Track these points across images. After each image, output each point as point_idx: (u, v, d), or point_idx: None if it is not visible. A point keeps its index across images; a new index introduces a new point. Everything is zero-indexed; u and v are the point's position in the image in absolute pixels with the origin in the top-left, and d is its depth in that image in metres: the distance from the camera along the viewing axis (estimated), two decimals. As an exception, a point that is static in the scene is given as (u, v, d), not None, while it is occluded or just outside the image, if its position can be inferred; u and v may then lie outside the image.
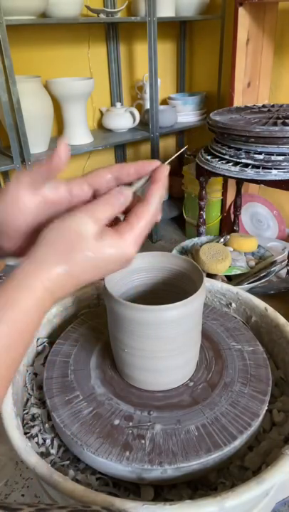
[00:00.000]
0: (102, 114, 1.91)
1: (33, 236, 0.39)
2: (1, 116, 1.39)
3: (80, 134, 1.67)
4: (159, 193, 0.40)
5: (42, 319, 0.37)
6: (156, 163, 0.42)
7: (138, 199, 0.41)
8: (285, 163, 1.15)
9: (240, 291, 0.79)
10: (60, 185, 0.41)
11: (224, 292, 0.81)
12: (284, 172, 1.16)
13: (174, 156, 0.51)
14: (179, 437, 0.54)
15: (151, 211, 0.39)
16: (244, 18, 1.55)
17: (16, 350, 0.34)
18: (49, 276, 0.35)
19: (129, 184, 0.42)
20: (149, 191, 0.40)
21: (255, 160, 1.18)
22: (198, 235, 1.57)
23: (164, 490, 0.54)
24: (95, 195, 0.42)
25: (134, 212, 0.39)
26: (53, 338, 0.74)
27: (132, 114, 1.81)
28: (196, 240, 1.52)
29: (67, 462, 0.57)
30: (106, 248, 0.37)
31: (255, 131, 1.13)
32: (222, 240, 1.45)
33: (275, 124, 1.17)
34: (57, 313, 0.77)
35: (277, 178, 1.17)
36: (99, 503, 0.45)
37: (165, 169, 0.42)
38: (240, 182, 1.65)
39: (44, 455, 0.58)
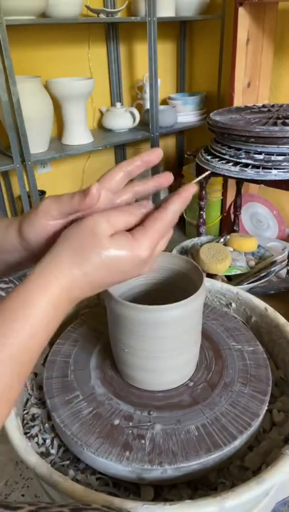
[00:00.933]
0: (102, 114, 1.91)
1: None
2: (1, 116, 1.39)
3: (80, 134, 1.67)
4: (179, 204, 0.41)
5: (60, 318, 0.37)
6: (157, 150, 0.44)
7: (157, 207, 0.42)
8: (285, 163, 1.15)
9: (240, 291, 0.79)
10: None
11: (224, 292, 0.81)
12: (284, 172, 1.16)
13: (199, 178, 0.53)
14: (179, 437, 0.54)
15: (168, 218, 0.40)
16: (244, 18, 1.55)
17: (31, 349, 0.34)
18: (64, 273, 0.36)
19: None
20: (170, 200, 0.41)
21: (255, 160, 1.18)
22: (198, 235, 1.57)
23: (164, 490, 0.54)
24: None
25: (150, 217, 0.40)
26: (52, 338, 0.74)
27: (132, 114, 1.81)
28: (196, 240, 1.52)
29: (67, 462, 0.57)
30: (118, 248, 0.37)
31: (255, 131, 1.13)
32: (222, 240, 1.45)
33: (275, 124, 1.17)
34: (57, 313, 0.77)
35: (277, 178, 1.17)
36: (99, 503, 0.45)
37: (192, 188, 0.42)
38: (240, 182, 1.65)
39: (44, 455, 0.58)
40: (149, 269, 0.41)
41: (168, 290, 0.67)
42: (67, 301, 0.37)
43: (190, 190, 0.42)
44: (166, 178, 0.44)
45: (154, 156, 0.43)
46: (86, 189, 0.38)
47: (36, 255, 0.42)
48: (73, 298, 0.37)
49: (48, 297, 0.35)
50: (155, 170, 1.88)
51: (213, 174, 1.32)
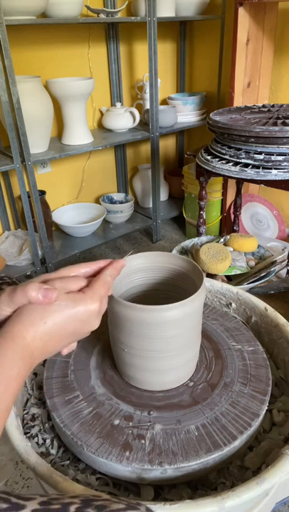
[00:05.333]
0: (102, 114, 1.91)
1: None
2: (1, 116, 1.39)
3: (80, 133, 1.67)
4: (112, 270, 0.48)
5: (27, 371, 0.39)
6: (120, 264, 0.50)
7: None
8: (285, 163, 1.15)
9: (240, 291, 0.79)
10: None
11: (224, 292, 0.81)
12: (284, 172, 1.16)
13: (128, 255, 0.63)
14: (179, 437, 0.54)
15: (107, 279, 0.46)
16: (244, 18, 1.55)
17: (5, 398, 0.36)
18: (27, 328, 0.39)
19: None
20: (106, 267, 0.48)
21: (255, 160, 1.18)
22: (198, 235, 1.57)
23: (164, 490, 0.54)
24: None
25: (93, 279, 0.46)
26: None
27: (132, 114, 1.81)
28: (196, 240, 1.52)
29: (67, 462, 0.57)
30: (73, 299, 0.42)
31: (255, 131, 1.13)
32: (222, 240, 1.45)
33: (275, 124, 1.17)
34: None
35: (277, 178, 1.17)
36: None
37: (123, 262, 0.50)
38: (240, 182, 1.65)
39: (44, 455, 0.58)
40: (98, 323, 0.45)
41: (168, 290, 0.67)
42: (31, 354, 0.39)
43: (121, 263, 0.50)
44: (119, 264, 0.49)
45: (116, 271, 0.49)
46: (45, 289, 0.41)
47: None
48: (36, 352, 0.40)
49: (16, 349, 0.38)
50: (155, 170, 1.88)
51: (213, 174, 1.32)
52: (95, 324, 0.45)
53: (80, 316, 0.42)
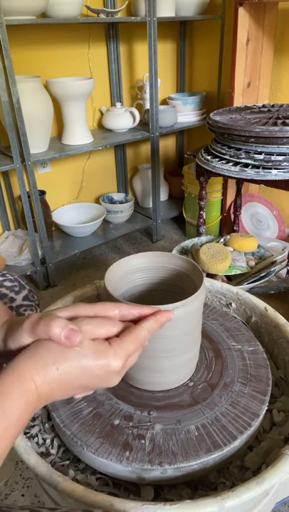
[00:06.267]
0: (102, 114, 1.91)
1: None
2: (1, 116, 1.39)
3: (80, 134, 1.67)
4: (154, 323, 0.43)
5: (29, 415, 0.37)
6: (168, 316, 0.45)
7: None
8: (285, 163, 1.15)
9: (240, 291, 0.79)
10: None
11: (224, 292, 0.81)
12: (284, 172, 1.16)
13: (179, 306, 0.52)
14: (179, 437, 0.54)
15: (142, 334, 0.41)
16: (244, 18, 1.55)
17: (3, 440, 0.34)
18: (38, 369, 0.37)
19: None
20: (147, 319, 0.43)
21: (255, 160, 1.18)
22: (198, 235, 1.57)
23: (164, 490, 0.54)
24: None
25: (126, 330, 0.41)
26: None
27: (132, 114, 1.81)
28: (196, 240, 1.52)
29: (67, 462, 0.57)
30: (95, 350, 0.38)
31: (255, 131, 1.13)
32: (222, 240, 1.45)
33: (275, 124, 1.17)
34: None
35: (277, 178, 1.17)
36: (99, 503, 0.45)
37: (170, 315, 0.45)
38: (240, 182, 1.65)
39: (44, 455, 0.58)
40: (118, 381, 0.41)
41: (168, 290, 0.67)
42: (37, 398, 0.37)
43: (167, 315, 0.44)
44: (164, 317, 0.44)
45: (158, 325, 0.43)
46: (70, 329, 0.38)
47: (8, 356, 0.41)
48: (42, 396, 0.37)
49: (22, 392, 0.35)
50: (155, 170, 1.88)
51: (213, 174, 1.32)
52: (114, 382, 0.41)
53: (98, 372, 0.38)
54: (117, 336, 0.41)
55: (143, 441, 0.53)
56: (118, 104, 1.84)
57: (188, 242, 1.51)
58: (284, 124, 1.16)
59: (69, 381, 0.38)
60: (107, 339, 0.40)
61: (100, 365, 0.38)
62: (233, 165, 1.22)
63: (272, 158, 1.16)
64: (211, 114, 1.33)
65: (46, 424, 0.62)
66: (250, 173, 1.18)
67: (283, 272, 1.39)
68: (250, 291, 1.27)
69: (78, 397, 0.43)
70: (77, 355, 0.37)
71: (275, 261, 1.40)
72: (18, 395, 0.35)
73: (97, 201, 2.11)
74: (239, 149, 1.22)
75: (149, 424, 0.56)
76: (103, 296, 0.59)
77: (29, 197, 1.54)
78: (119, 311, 0.43)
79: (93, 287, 0.81)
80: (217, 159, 1.27)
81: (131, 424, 0.56)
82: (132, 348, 0.40)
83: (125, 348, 0.39)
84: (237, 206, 1.73)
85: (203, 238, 1.53)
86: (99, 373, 0.38)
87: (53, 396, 0.38)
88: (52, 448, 0.59)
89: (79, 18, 1.49)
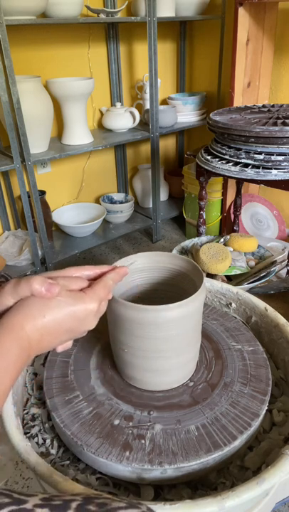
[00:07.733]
0: (102, 114, 1.91)
1: None
2: (1, 116, 1.39)
3: (80, 133, 1.67)
4: (115, 275, 0.49)
5: (24, 360, 0.40)
6: (123, 270, 0.51)
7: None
8: (285, 163, 1.15)
9: (240, 291, 0.79)
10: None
11: (224, 292, 0.81)
12: (284, 172, 1.16)
13: (130, 264, 0.64)
14: (179, 437, 0.54)
15: (109, 282, 0.48)
16: (244, 18, 1.55)
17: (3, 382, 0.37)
18: (27, 319, 0.41)
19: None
20: (109, 272, 0.50)
21: (255, 160, 1.18)
22: (198, 235, 1.57)
23: (164, 490, 0.54)
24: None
25: (94, 281, 0.48)
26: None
27: (132, 114, 1.81)
28: (196, 240, 1.52)
29: (67, 462, 0.57)
30: (73, 297, 0.44)
31: (255, 131, 1.13)
32: (222, 240, 1.45)
33: (275, 124, 1.17)
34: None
35: (277, 178, 1.17)
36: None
37: (125, 270, 0.51)
38: (240, 182, 1.65)
39: (44, 455, 0.58)
40: (95, 323, 0.46)
41: (168, 290, 0.67)
42: (28, 345, 0.40)
43: (124, 269, 0.51)
44: (122, 270, 0.51)
45: (118, 276, 0.50)
46: (49, 283, 0.42)
47: None
48: (33, 344, 0.41)
49: (14, 338, 0.39)
50: (155, 171, 1.88)
51: (213, 174, 1.32)
52: (92, 324, 0.46)
53: (78, 315, 0.43)
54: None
55: (143, 441, 0.53)
56: (118, 104, 1.84)
57: (188, 242, 1.51)
58: (284, 124, 1.16)
59: (55, 327, 0.42)
60: (80, 290, 0.46)
61: (80, 309, 0.43)
62: (233, 165, 1.22)
63: (272, 158, 1.16)
64: (211, 114, 1.33)
65: (46, 424, 0.62)
66: (250, 173, 1.18)
67: (283, 272, 1.39)
68: (250, 291, 1.27)
69: (60, 349, 0.46)
70: (59, 303, 0.42)
71: (275, 261, 1.40)
72: (12, 340, 0.39)
73: (97, 201, 2.11)
74: (239, 149, 1.22)
75: (149, 424, 0.56)
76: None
77: (29, 197, 1.54)
78: (84, 272, 0.49)
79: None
80: (217, 159, 1.27)
81: (131, 424, 0.56)
82: (102, 293, 0.46)
83: (97, 293, 0.45)
84: (237, 206, 1.73)
85: (203, 238, 1.53)
86: (79, 316, 0.44)
87: (42, 343, 0.42)
88: (52, 448, 0.59)
89: (79, 18, 1.49)
